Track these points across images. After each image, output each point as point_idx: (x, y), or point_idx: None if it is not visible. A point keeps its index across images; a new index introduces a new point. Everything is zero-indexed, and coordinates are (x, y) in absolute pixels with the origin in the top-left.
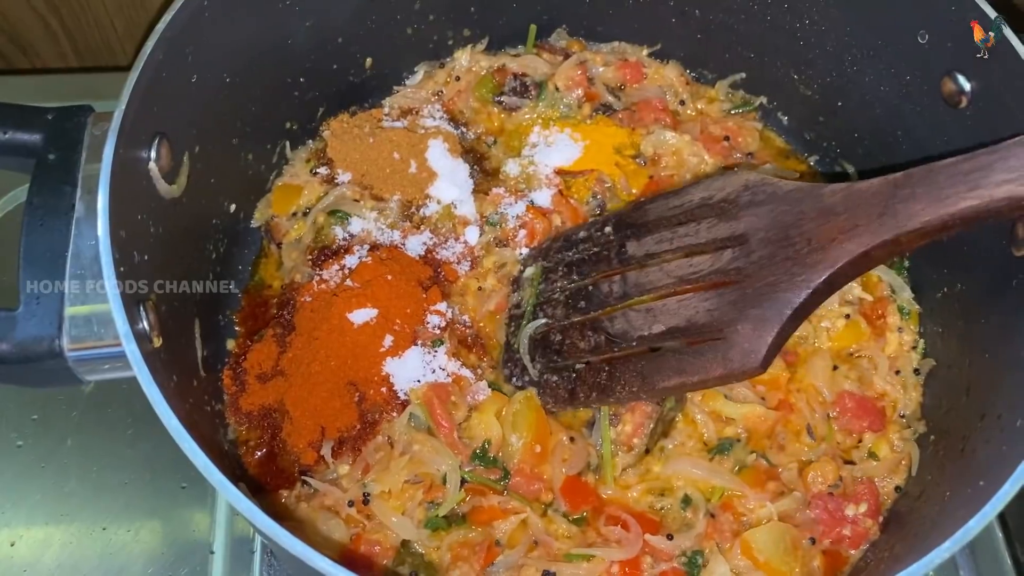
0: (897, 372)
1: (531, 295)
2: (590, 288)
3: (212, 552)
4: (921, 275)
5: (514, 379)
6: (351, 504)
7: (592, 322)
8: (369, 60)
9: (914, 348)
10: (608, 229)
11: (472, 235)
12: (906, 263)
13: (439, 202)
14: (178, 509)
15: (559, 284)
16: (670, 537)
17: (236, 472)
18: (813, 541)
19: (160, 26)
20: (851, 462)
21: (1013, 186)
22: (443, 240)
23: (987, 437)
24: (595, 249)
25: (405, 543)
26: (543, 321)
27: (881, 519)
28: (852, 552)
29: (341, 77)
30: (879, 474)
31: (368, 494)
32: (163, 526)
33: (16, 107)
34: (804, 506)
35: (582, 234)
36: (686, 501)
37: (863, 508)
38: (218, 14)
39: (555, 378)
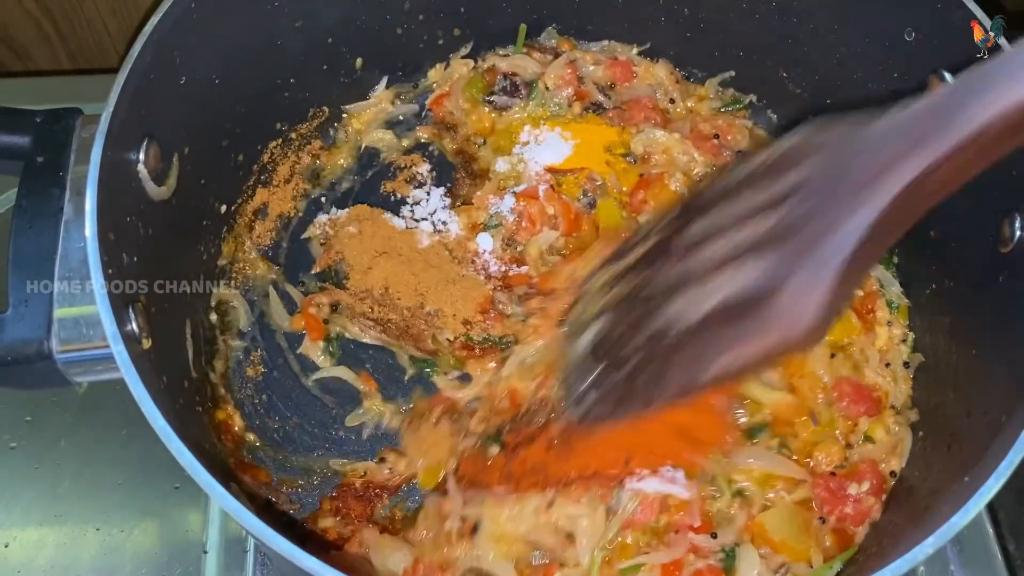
0: (887, 365)
1: (593, 301)
2: (648, 283)
3: (205, 552)
4: (909, 272)
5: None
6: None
7: (646, 315)
8: (359, 60)
9: (904, 342)
10: (671, 219)
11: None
12: (895, 259)
13: None
14: (171, 509)
15: (620, 286)
16: (714, 536)
17: (227, 473)
18: (823, 520)
19: (147, 28)
20: (850, 446)
21: None
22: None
23: (973, 433)
24: (657, 241)
25: None
26: (599, 325)
27: (883, 498)
28: (857, 529)
29: (331, 78)
30: (877, 456)
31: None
32: (156, 526)
33: (4, 110)
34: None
35: (646, 232)
36: (738, 493)
37: (865, 487)
38: (206, 16)
39: (605, 388)
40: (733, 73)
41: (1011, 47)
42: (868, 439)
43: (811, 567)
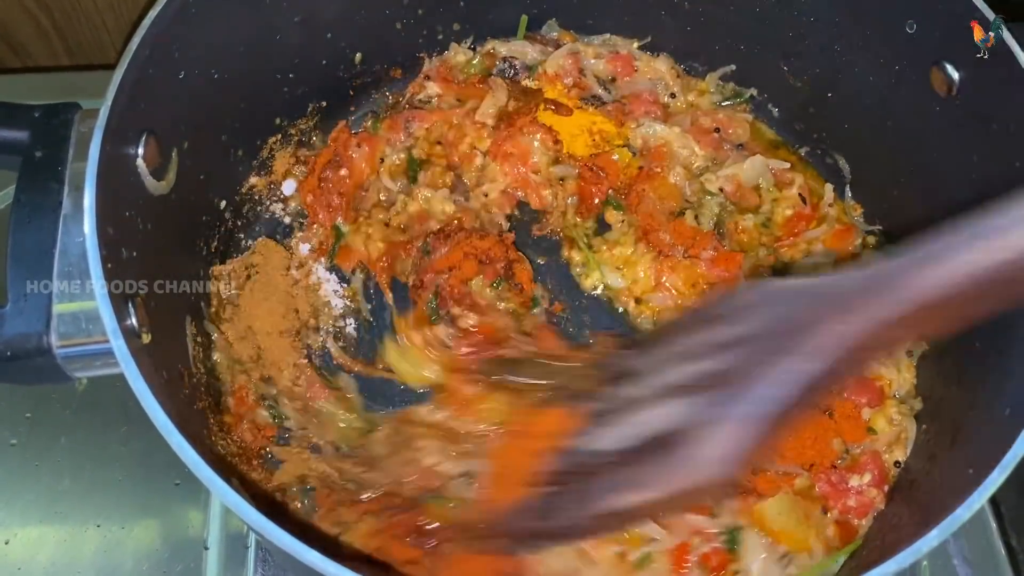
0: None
1: None
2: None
3: (206, 548)
4: None
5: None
6: None
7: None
8: (359, 55)
9: None
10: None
11: None
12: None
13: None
14: (172, 506)
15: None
16: (713, 516)
17: (229, 468)
18: (826, 511)
19: (146, 22)
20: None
21: None
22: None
23: (977, 426)
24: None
25: None
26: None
27: (887, 489)
28: (860, 522)
29: (331, 72)
30: (880, 447)
31: None
32: (157, 523)
33: (2, 105)
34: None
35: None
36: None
37: (867, 479)
38: (205, 10)
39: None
40: (734, 67)
41: (950, 230)
42: (871, 430)
43: (811, 558)
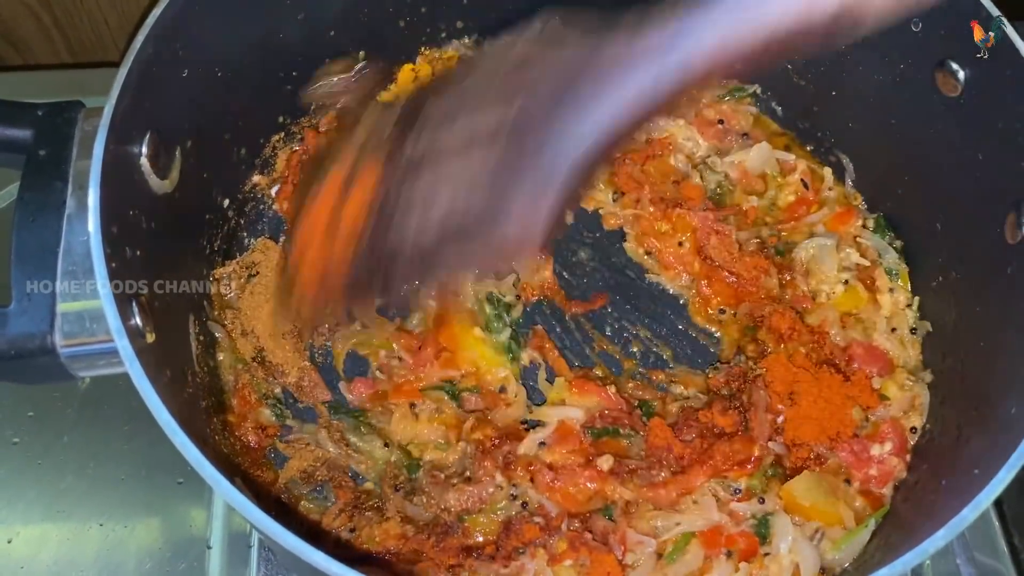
0: (893, 330)
1: None
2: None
3: (209, 547)
4: (916, 262)
5: None
6: None
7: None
8: (362, 52)
9: (909, 307)
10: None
11: None
12: (888, 232)
13: None
14: (175, 504)
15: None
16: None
17: (232, 467)
18: (849, 482)
19: (149, 21)
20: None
21: None
22: None
23: (982, 426)
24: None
25: None
26: None
27: (907, 457)
28: (882, 491)
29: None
30: (896, 414)
31: None
32: (160, 522)
33: (5, 103)
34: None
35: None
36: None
37: (888, 447)
38: (208, 8)
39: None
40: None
41: None
42: (884, 397)
43: (844, 529)
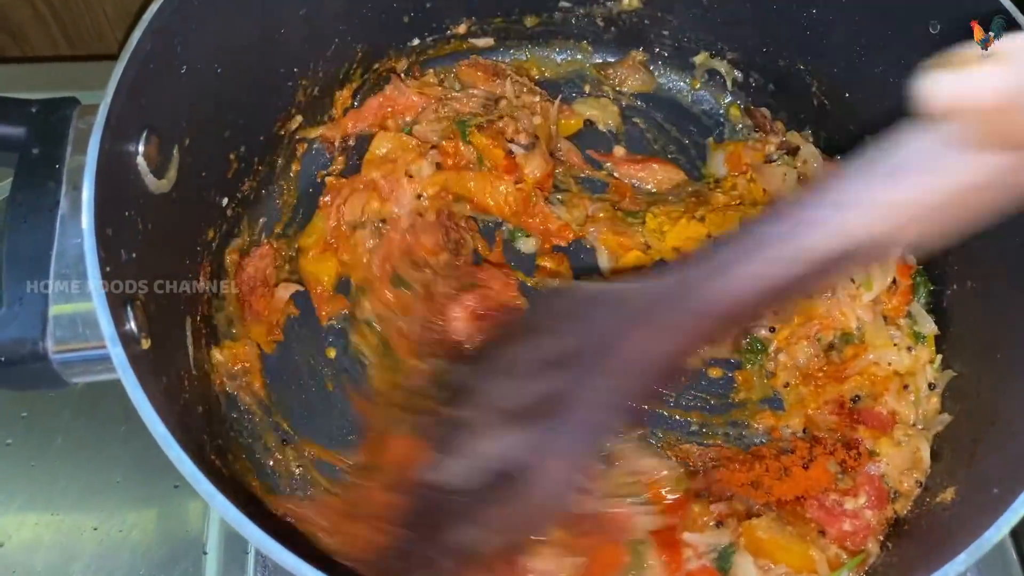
0: (906, 387)
1: None
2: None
3: (205, 553)
4: (932, 272)
5: None
6: None
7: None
8: (364, 49)
9: (930, 363)
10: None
11: None
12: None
13: None
14: (171, 508)
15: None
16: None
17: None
18: (823, 533)
19: (147, 15)
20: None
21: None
22: None
23: (998, 443)
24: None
25: None
26: None
27: (891, 510)
28: (865, 547)
29: (335, 67)
30: (887, 471)
31: None
32: (155, 526)
33: None
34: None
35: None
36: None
37: (862, 501)
38: (207, 3)
39: None
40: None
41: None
42: (873, 454)
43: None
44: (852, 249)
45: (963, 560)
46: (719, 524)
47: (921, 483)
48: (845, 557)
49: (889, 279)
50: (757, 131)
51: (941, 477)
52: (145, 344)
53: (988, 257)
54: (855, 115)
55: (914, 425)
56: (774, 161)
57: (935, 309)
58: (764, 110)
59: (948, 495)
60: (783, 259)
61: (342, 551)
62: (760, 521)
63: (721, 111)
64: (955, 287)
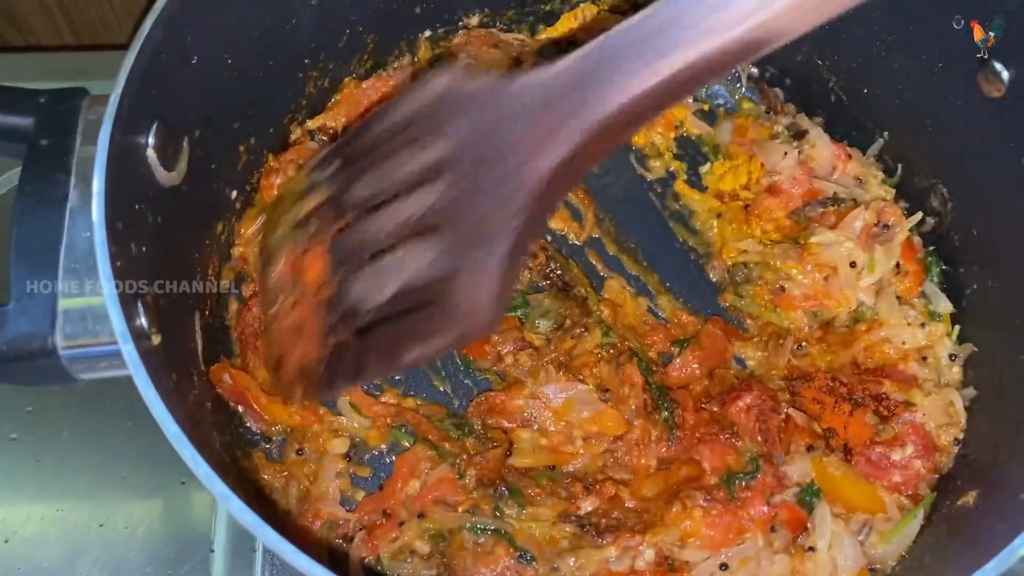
0: (924, 358)
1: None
2: (329, 251)
3: (212, 550)
4: (950, 273)
5: None
6: None
7: (331, 297)
8: (376, 40)
9: (948, 335)
10: (335, 167)
11: None
12: (937, 267)
13: None
14: (177, 504)
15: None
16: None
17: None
18: None
19: (158, 6)
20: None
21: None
22: None
23: (1021, 446)
24: (328, 196)
25: None
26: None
27: (938, 458)
28: (917, 491)
29: (346, 57)
30: (922, 420)
31: None
32: (162, 522)
33: (6, 89)
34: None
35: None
36: None
37: (909, 451)
38: None
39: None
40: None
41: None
42: (910, 404)
43: (889, 520)
44: (740, 37)
45: (992, 569)
46: (810, 448)
47: (959, 440)
48: (910, 505)
49: (892, 263)
50: (768, 112)
51: (963, 478)
52: (155, 340)
53: (1007, 258)
54: (872, 111)
55: (928, 380)
56: (778, 138)
57: (948, 288)
58: (777, 90)
59: (971, 499)
60: (680, 45)
61: (289, 375)
62: (832, 459)
63: (733, 106)
64: (975, 287)
